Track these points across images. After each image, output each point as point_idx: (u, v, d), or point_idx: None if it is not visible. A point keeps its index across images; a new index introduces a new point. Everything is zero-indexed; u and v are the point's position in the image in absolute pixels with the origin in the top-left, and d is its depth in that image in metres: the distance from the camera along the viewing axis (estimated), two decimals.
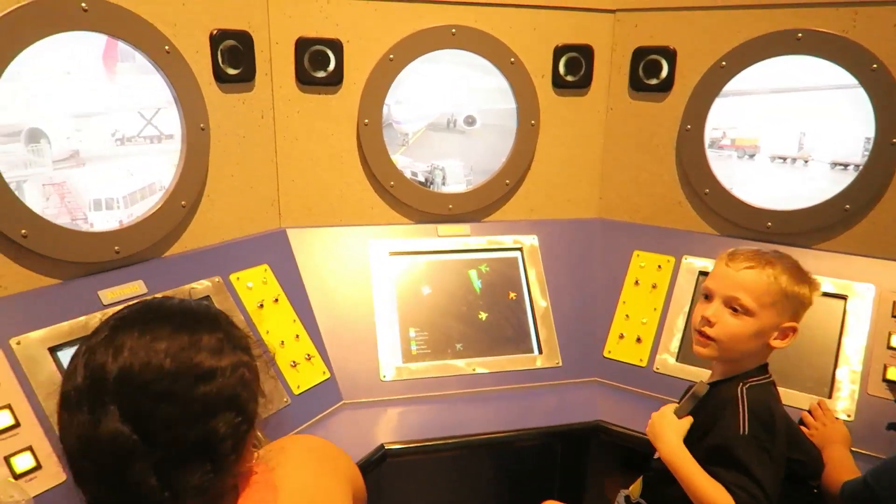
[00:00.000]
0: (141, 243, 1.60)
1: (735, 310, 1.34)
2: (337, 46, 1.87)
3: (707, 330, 1.36)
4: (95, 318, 1.43)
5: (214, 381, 0.74)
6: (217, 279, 1.68)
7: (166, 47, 1.59)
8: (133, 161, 1.61)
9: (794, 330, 1.36)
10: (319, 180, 1.98)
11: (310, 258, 1.90)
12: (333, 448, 0.99)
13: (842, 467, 1.39)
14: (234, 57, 1.75)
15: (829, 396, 1.68)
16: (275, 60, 1.86)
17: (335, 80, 1.90)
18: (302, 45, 1.85)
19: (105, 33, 1.49)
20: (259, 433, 0.85)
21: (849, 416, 1.64)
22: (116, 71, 1.60)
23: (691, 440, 1.33)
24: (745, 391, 1.32)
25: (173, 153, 1.67)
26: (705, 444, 1.30)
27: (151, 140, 1.63)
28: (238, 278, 1.72)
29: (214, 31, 1.70)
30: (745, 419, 1.27)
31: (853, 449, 1.55)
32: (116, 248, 1.54)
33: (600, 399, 1.83)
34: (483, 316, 1.95)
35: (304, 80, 1.88)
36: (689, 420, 1.37)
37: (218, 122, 1.75)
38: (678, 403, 1.42)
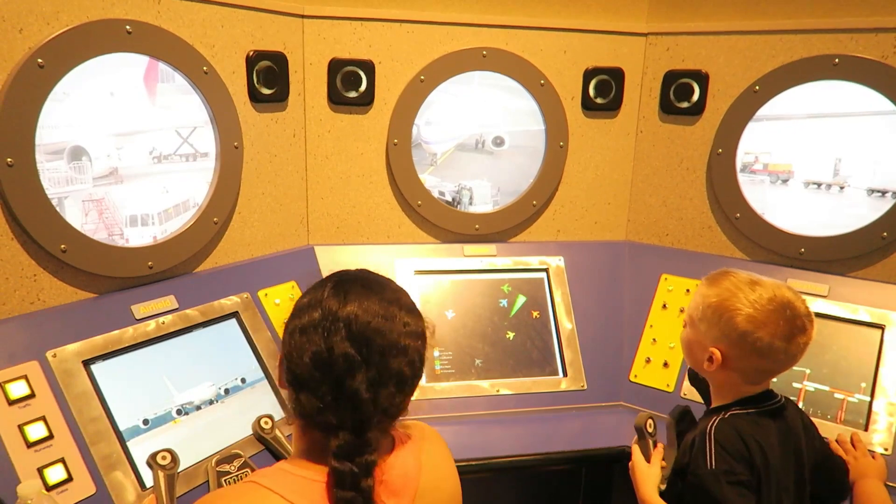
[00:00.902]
0: (173, 259, 1.63)
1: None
2: (369, 67, 1.90)
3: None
4: (128, 333, 1.47)
5: (409, 328, 0.95)
6: (246, 295, 1.70)
7: (204, 68, 1.63)
8: (168, 178, 1.64)
9: (716, 357, 1.26)
10: (348, 199, 2.00)
11: None
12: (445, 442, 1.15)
13: (873, 500, 1.35)
14: (269, 77, 1.79)
15: (866, 429, 1.63)
16: (308, 81, 1.89)
17: (366, 100, 1.93)
18: (335, 66, 1.89)
19: (147, 55, 1.53)
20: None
21: (886, 449, 1.59)
22: (157, 91, 1.64)
23: (678, 474, 1.31)
24: (716, 424, 1.25)
25: (207, 171, 1.70)
26: (687, 481, 1.26)
27: (187, 158, 1.67)
28: (266, 294, 1.75)
29: (251, 53, 1.74)
30: (713, 453, 1.22)
31: (890, 483, 1.51)
32: (150, 263, 1.57)
33: (625, 424, 1.80)
34: (511, 335, 1.94)
35: (336, 100, 1.91)
36: (657, 463, 1.38)
37: (251, 140, 1.79)
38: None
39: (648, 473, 1.37)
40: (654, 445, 1.43)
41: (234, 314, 1.67)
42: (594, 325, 1.99)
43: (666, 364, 1.88)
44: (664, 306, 1.97)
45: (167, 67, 1.58)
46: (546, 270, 2.04)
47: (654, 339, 1.93)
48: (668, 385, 1.87)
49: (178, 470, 1.31)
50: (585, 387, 1.91)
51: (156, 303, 1.55)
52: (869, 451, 1.57)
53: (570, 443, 1.76)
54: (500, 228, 2.08)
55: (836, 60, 1.77)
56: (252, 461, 1.43)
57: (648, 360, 1.91)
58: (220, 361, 1.59)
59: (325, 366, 0.90)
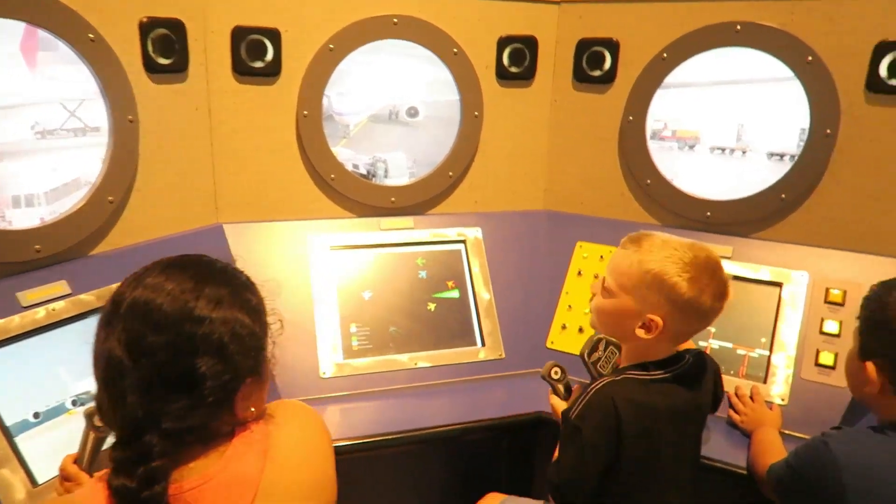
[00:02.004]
0: (64, 242, 1.54)
1: (604, 286, 1.33)
2: (275, 35, 1.82)
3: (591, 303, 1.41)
4: (14, 321, 1.38)
5: (202, 325, 0.84)
6: None
7: (91, 35, 1.53)
8: (56, 155, 1.55)
9: (656, 324, 1.25)
10: (258, 174, 1.93)
11: (248, 254, 1.85)
12: (318, 415, 1.05)
13: (768, 450, 1.42)
14: (166, 46, 1.69)
15: (765, 381, 1.71)
16: (210, 50, 1.80)
17: (273, 70, 1.85)
18: (238, 34, 1.80)
19: (23, 21, 1.42)
20: (262, 395, 0.95)
21: (783, 400, 1.67)
22: (37, 61, 1.53)
23: None
24: (601, 385, 1.28)
25: (100, 147, 1.61)
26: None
27: (75, 133, 1.57)
28: None
29: (144, 19, 1.64)
30: (580, 407, 1.28)
31: (788, 432, 1.59)
32: (37, 247, 1.48)
33: (543, 391, 1.83)
34: (432, 307, 1.94)
35: (242, 70, 1.83)
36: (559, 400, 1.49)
37: (149, 114, 1.69)
38: None
39: (556, 406, 1.46)
40: (570, 388, 1.49)
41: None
42: (512, 295, 2.01)
43: (581, 330, 1.92)
44: (579, 273, 2.00)
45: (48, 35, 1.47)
46: (464, 242, 2.04)
47: (569, 306, 1.97)
48: None
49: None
50: (504, 356, 1.93)
51: (45, 289, 1.46)
52: (767, 402, 1.65)
53: (490, 411, 1.78)
54: (417, 201, 2.06)
55: (738, 27, 1.81)
56: None
57: (564, 327, 1.94)
58: None
59: (98, 365, 0.86)
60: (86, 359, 1.43)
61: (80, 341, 1.44)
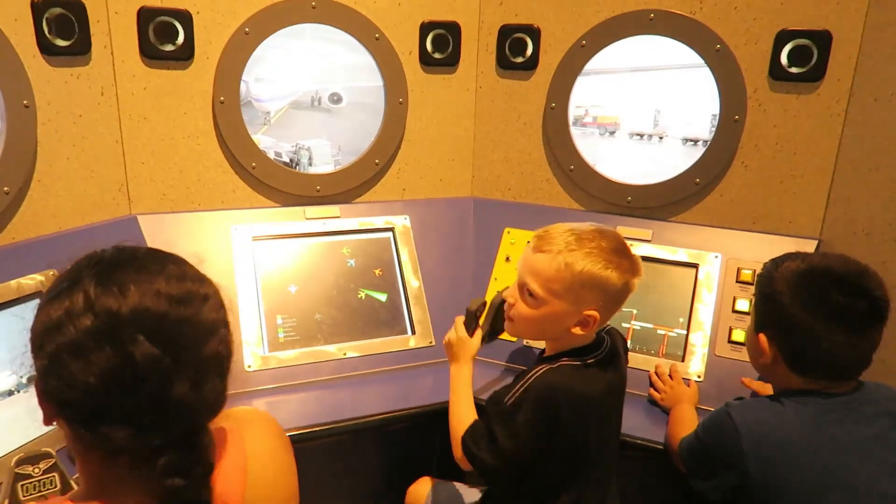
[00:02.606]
0: None
1: (529, 294, 1.31)
2: (186, 17, 1.74)
3: (509, 310, 1.39)
4: None
5: (209, 301, 0.79)
6: (52, 273, 1.52)
7: None
8: None
9: (594, 319, 1.28)
10: (173, 163, 1.85)
11: (165, 246, 1.69)
12: (281, 428, 1.00)
13: (682, 424, 1.48)
14: (64, 27, 1.58)
15: (683, 360, 1.78)
16: (114, 32, 1.70)
17: (185, 54, 1.77)
18: (145, 15, 1.71)
19: None
20: None
21: (699, 376, 1.74)
22: None
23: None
24: (541, 373, 1.29)
25: None
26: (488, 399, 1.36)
27: None
28: None
29: None
30: (518, 393, 1.29)
31: (704, 407, 1.66)
32: None
33: (476, 376, 1.84)
34: (362, 294, 1.91)
35: (150, 54, 1.74)
36: (478, 339, 1.50)
37: (47, 99, 1.59)
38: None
39: (470, 344, 1.49)
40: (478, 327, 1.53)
41: (38, 294, 1.49)
42: (441, 282, 2.00)
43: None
44: (507, 259, 2.02)
45: None
46: (392, 230, 2.02)
47: (498, 292, 1.98)
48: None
49: None
50: (434, 343, 1.92)
51: None
52: (684, 379, 1.72)
53: (421, 398, 1.77)
54: (342, 189, 2.02)
55: (652, 15, 1.87)
56: (63, 464, 1.24)
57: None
58: (20, 348, 1.41)
59: (129, 383, 0.72)
60: None
61: None
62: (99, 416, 0.72)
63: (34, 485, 1.19)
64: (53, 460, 1.23)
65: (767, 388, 1.51)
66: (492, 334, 1.56)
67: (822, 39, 1.73)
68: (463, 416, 1.39)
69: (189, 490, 0.75)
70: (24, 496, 1.17)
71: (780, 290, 1.27)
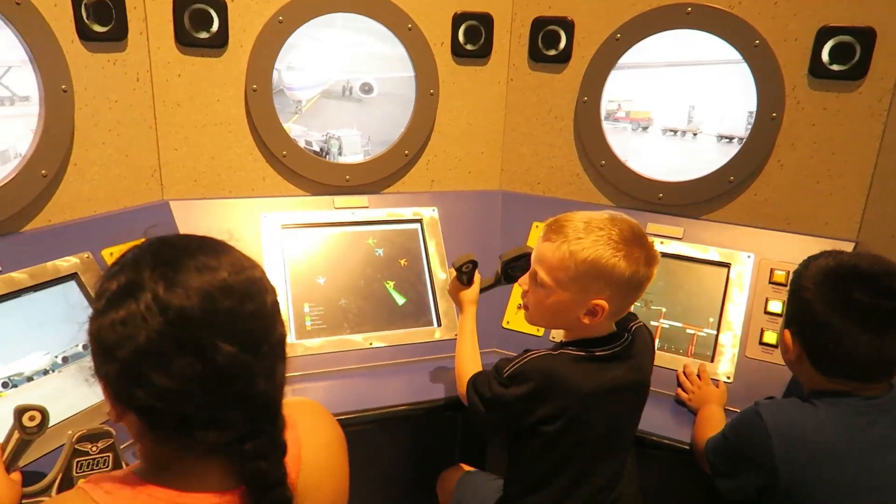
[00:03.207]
0: None
1: (538, 282, 1.31)
2: (220, 5, 1.75)
3: (523, 297, 1.41)
4: None
5: (265, 283, 0.80)
6: (87, 255, 1.55)
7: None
8: None
9: (602, 308, 1.25)
10: (205, 150, 1.86)
11: (196, 231, 1.78)
12: (333, 419, 0.99)
13: (709, 425, 1.46)
14: (102, 13, 1.60)
15: (712, 360, 1.75)
16: (150, 18, 1.71)
17: (219, 42, 1.78)
18: (181, 2, 1.72)
19: None
20: None
21: (728, 377, 1.72)
22: None
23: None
24: (538, 357, 1.30)
25: (31, 117, 1.51)
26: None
27: (2, 102, 1.47)
28: (112, 254, 1.60)
29: None
30: (514, 367, 1.31)
31: (732, 409, 1.64)
32: None
33: None
34: (390, 285, 1.91)
35: (185, 41, 1.75)
36: (478, 284, 1.60)
37: (84, 84, 1.60)
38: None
39: (464, 293, 1.59)
40: (471, 280, 1.61)
41: (73, 276, 1.52)
42: None
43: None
44: None
45: None
46: (420, 221, 2.01)
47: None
48: (538, 330, 1.92)
49: (40, 435, 1.14)
50: None
51: None
52: (713, 380, 1.70)
53: (446, 390, 1.77)
54: (371, 179, 2.02)
55: (689, 9, 1.83)
56: (119, 447, 1.24)
57: (520, 307, 1.95)
58: (56, 328, 1.44)
59: (213, 387, 0.72)
60: (19, 339, 1.37)
61: (10, 322, 1.38)
62: (185, 422, 0.73)
63: (88, 462, 1.20)
64: (112, 440, 1.24)
65: None
66: (497, 282, 1.64)
67: (866, 36, 1.68)
68: (463, 358, 1.53)
69: (272, 472, 0.77)
70: (77, 473, 1.19)
71: (806, 286, 1.26)
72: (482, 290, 1.63)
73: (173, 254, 0.76)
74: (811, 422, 1.21)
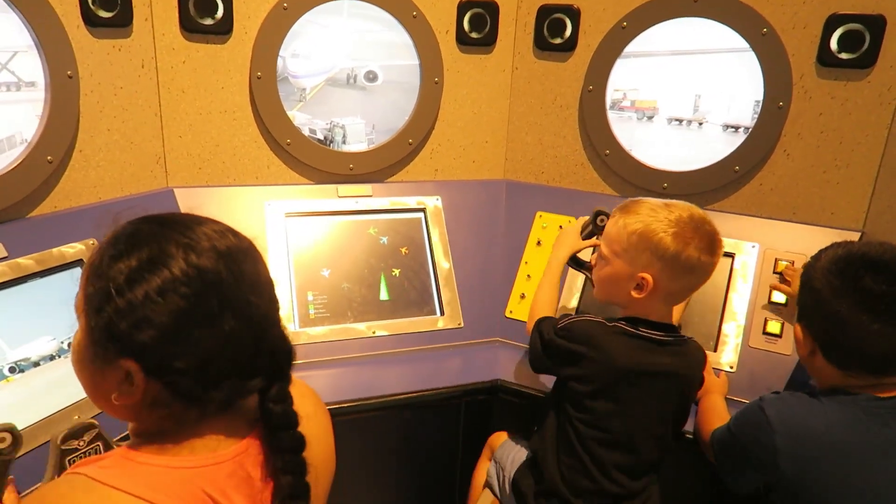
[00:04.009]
0: (0, 202, 1.45)
1: (601, 256, 1.43)
2: None
3: (591, 273, 1.51)
4: None
5: (251, 243, 0.84)
6: (92, 241, 1.55)
7: None
8: None
9: (647, 282, 1.32)
10: (210, 137, 1.86)
11: None
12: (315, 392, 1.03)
13: (713, 416, 1.46)
14: None
15: (715, 350, 1.75)
16: (155, 4, 1.71)
17: (224, 28, 1.78)
18: None
19: None
20: None
21: (731, 367, 1.72)
22: None
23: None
24: (590, 320, 1.40)
25: (36, 103, 1.52)
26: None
27: (8, 87, 1.47)
28: None
29: None
30: (568, 322, 1.42)
31: (735, 398, 1.64)
32: None
33: (501, 359, 1.84)
34: (396, 272, 1.92)
35: (190, 27, 1.75)
36: (587, 242, 1.63)
37: (89, 70, 1.61)
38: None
39: (579, 244, 1.63)
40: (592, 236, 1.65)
41: (79, 262, 1.52)
42: (471, 264, 2.00)
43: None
44: (538, 243, 2.00)
45: None
46: (423, 210, 2.01)
47: (528, 276, 1.97)
48: None
49: (17, 453, 1.09)
50: (462, 324, 1.92)
51: None
52: (714, 369, 1.70)
53: (449, 379, 1.78)
54: (375, 168, 2.02)
55: None
56: (107, 434, 1.24)
57: (523, 296, 1.95)
58: (61, 314, 1.44)
59: (246, 340, 0.78)
60: (26, 324, 1.38)
61: (17, 307, 1.39)
62: (218, 376, 0.77)
63: (80, 457, 1.20)
64: (97, 430, 1.22)
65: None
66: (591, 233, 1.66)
67: (876, 24, 1.67)
68: (540, 297, 1.62)
69: (292, 414, 0.82)
70: None
71: (816, 276, 1.25)
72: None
73: (182, 222, 0.80)
74: (819, 419, 1.19)
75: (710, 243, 1.31)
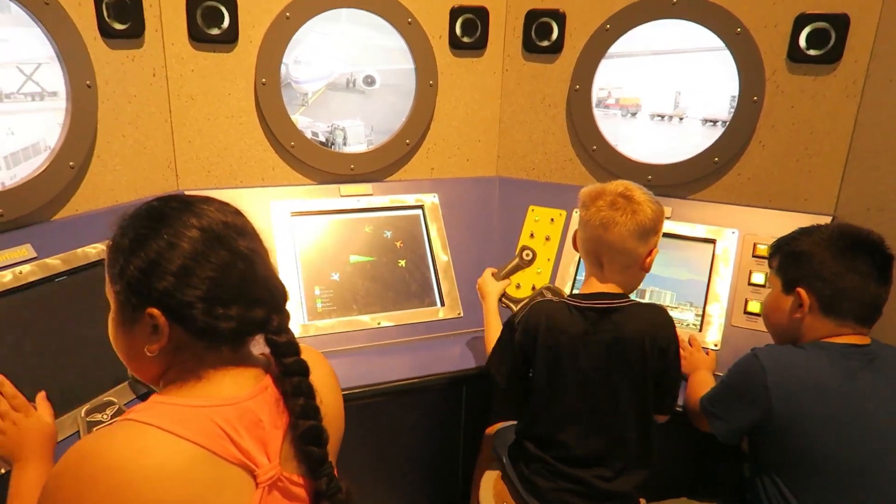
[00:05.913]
0: (27, 206, 1.54)
1: None
2: (231, 2, 1.85)
3: None
4: None
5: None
6: (110, 242, 1.64)
7: None
8: (14, 119, 1.54)
9: (574, 242, 1.58)
10: (217, 141, 1.96)
11: None
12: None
13: (701, 386, 1.57)
14: (121, 11, 1.69)
15: (700, 329, 1.87)
16: (165, 16, 1.81)
17: (230, 37, 1.88)
18: (193, 0, 1.81)
19: None
20: None
21: (716, 345, 1.83)
22: None
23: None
24: (540, 301, 1.55)
25: (58, 111, 1.61)
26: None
27: (33, 97, 1.56)
28: None
29: None
30: (524, 310, 1.55)
31: (720, 374, 1.75)
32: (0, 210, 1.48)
33: None
34: (400, 264, 2.02)
35: (198, 37, 1.85)
36: (504, 282, 1.83)
37: (106, 79, 1.70)
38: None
39: (499, 286, 1.83)
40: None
41: (101, 262, 1.61)
42: (468, 257, 2.10)
43: (533, 288, 2.03)
44: (532, 235, 2.11)
45: None
46: (421, 207, 2.12)
47: None
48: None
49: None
50: (462, 314, 2.02)
51: (9, 252, 1.47)
52: (703, 348, 1.81)
53: (449, 365, 1.88)
54: (375, 168, 2.12)
55: (674, 1, 1.94)
56: (126, 409, 1.39)
57: (518, 287, 2.05)
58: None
59: (243, 272, 0.90)
60: (52, 324, 1.47)
61: (45, 305, 1.48)
62: (227, 305, 0.89)
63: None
64: (117, 405, 1.38)
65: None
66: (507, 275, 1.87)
67: (841, 22, 1.80)
68: (490, 338, 1.72)
69: (294, 343, 0.94)
70: None
71: (813, 250, 1.41)
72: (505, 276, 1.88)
73: (178, 198, 0.94)
74: (805, 362, 1.35)
75: (611, 202, 1.45)
